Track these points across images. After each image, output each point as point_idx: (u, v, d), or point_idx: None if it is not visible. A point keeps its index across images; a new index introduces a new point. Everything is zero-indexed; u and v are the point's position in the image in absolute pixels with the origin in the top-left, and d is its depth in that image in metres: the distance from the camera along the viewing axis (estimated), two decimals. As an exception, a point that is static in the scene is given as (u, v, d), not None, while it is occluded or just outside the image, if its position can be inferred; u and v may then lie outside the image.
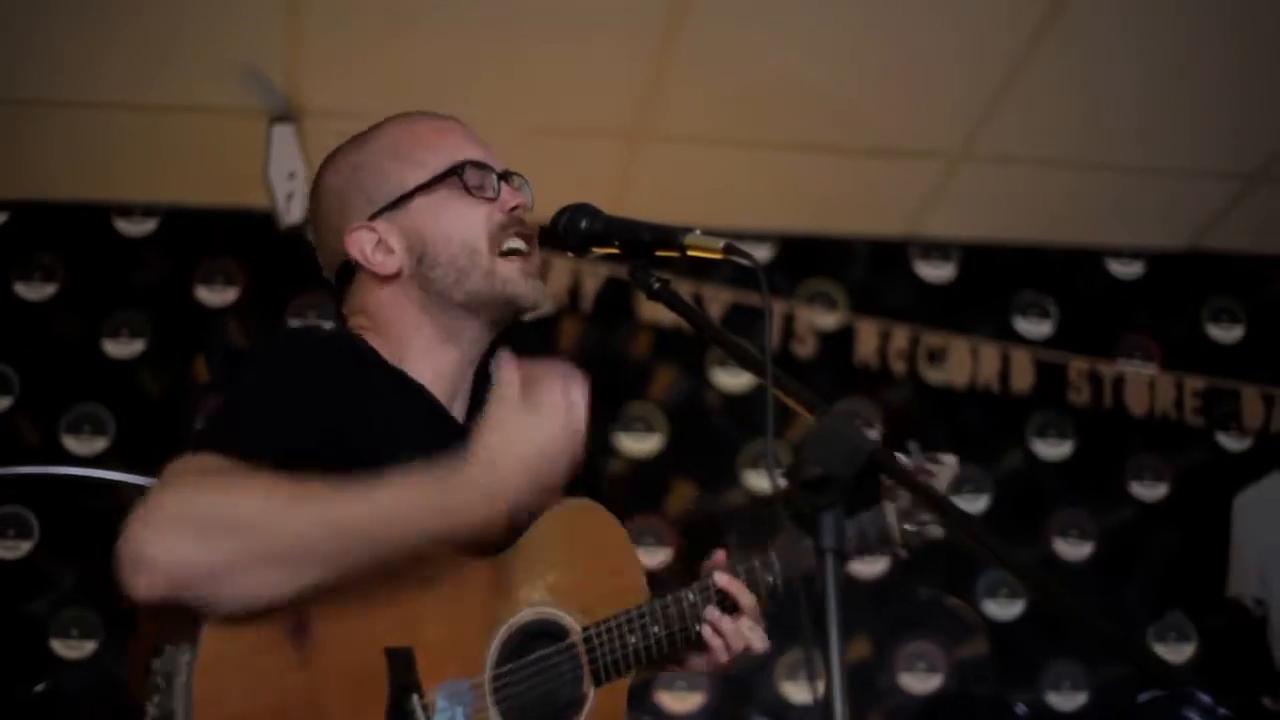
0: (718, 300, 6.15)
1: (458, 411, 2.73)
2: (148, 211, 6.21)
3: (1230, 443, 6.66)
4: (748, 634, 2.81)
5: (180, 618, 2.26)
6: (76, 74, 5.42)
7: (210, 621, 2.24)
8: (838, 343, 6.43)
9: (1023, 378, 6.44)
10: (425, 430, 2.59)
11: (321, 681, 2.34)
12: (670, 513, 6.15)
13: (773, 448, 2.31)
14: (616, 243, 2.58)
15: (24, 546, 5.81)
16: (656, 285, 2.53)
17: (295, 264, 6.13)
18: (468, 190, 2.67)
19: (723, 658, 2.81)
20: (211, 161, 5.85)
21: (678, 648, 2.75)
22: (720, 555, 2.91)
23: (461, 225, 2.67)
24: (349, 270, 2.73)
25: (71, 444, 5.92)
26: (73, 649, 5.73)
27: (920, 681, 6.21)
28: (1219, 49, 5.50)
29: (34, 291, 6.08)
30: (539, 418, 2.43)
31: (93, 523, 5.83)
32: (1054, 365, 6.51)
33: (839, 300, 6.54)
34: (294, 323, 2.40)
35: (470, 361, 2.74)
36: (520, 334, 6.29)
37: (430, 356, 2.70)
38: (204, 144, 5.78)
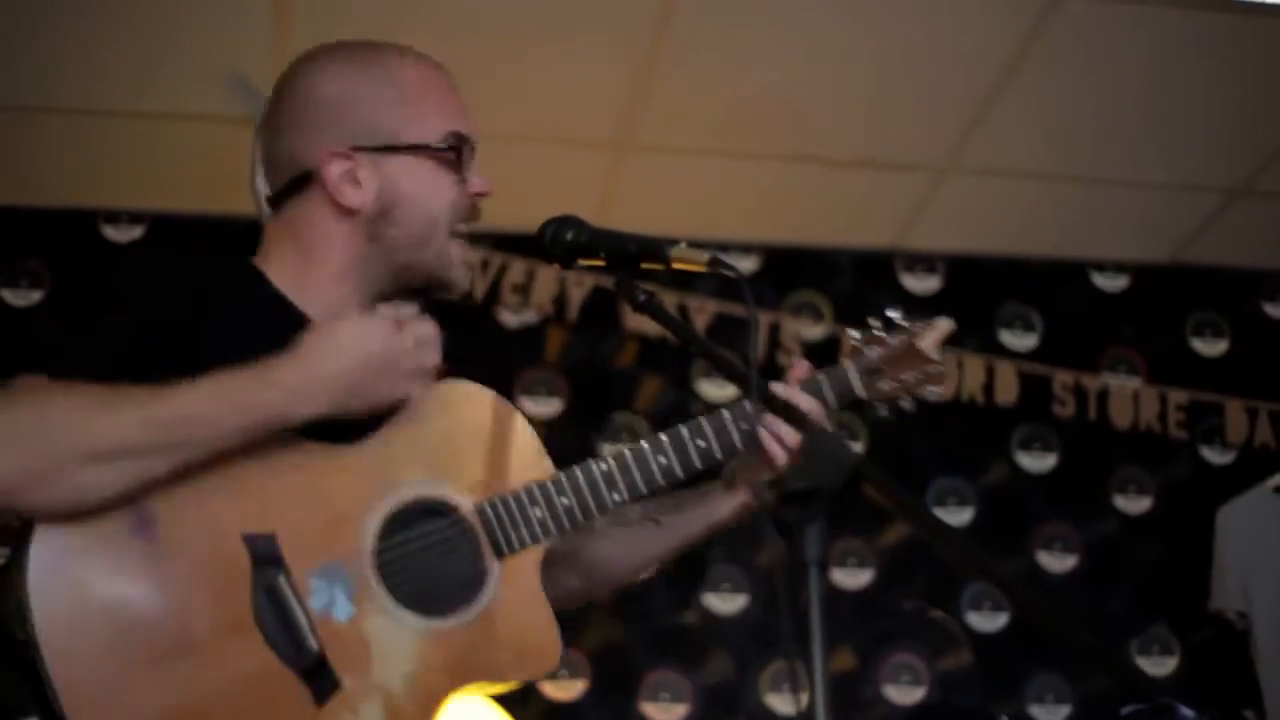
0: (703, 311, 6.16)
1: None
2: (134, 218, 6.20)
3: (1214, 456, 6.67)
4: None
5: (19, 531, 2.28)
6: (64, 81, 5.42)
7: (41, 523, 2.25)
8: (823, 354, 6.43)
9: (1007, 390, 6.45)
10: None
11: (175, 575, 2.33)
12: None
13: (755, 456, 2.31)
14: (602, 254, 2.58)
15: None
16: (642, 297, 2.54)
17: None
18: (455, 167, 2.68)
19: (781, 462, 2.78)
20: (199, 168, 5.85)
21: (602, 511, 2.72)
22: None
23: (436, 198, 2.67)
24: (301, 182, 2.68)
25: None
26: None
27: (904, 693, 6.21)
28: (1202, 65, 5.51)
29: (20, 298, 6.07)
30: (367, 331, 2.43)
31: None
32: (1038, 378, 6.52)
33: (824, 312, 6.54)
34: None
35: (362, 310, 2.66)
36: (506, 344, 6.30)
37: (333, 293, 2.67)
38: (191, 151, 5.78)
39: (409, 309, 2.54)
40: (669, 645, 6.10)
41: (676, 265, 2.48)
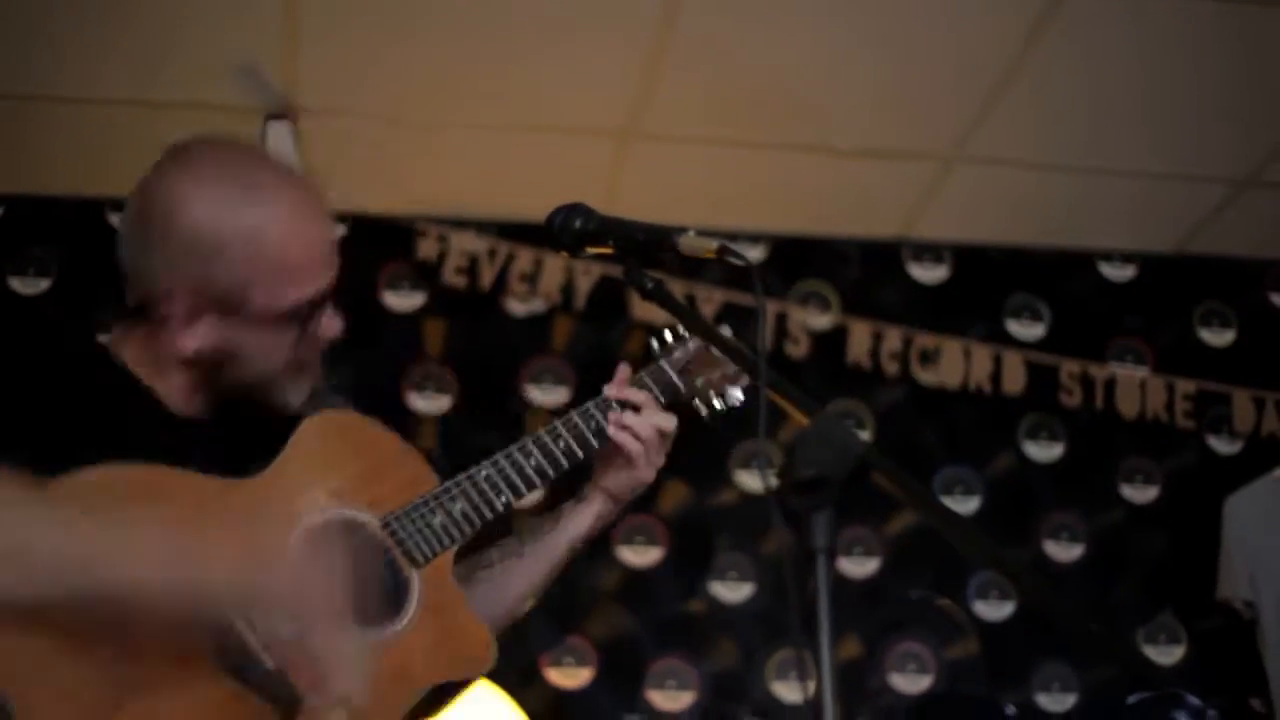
0: (711, 300, 6.16)
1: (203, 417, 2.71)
2: (142, 207, 6.20)
3: (1221, 446, 6.67)
4: (653, 419, 2.98)
5: None
6: (74, 70, 5.42)
7: None
8: (830, 343, 6.44)
9: (1014, 379, 6.45)
10: (166, 429, 2.60)
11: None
12: (661, 512, 6.16)
13: (765, 448, 2.32)
14: (610, 242, 2.58)
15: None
16: (650, 285, 2.54)
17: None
18: (304, 330, 2.65)
19: (634, 449, 2.97)
20: (206, 158, 5.85)
21: (512, 502, 2.84)
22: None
23: (277, 355, 2.64)
24: (148, 308, 2.62)
25: (66, 438, 5.91)
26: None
27: (911, 682, 6.21)
28: (1211, 55, 5.51)
29: (28, 286, 6.07)
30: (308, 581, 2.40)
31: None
32: (1046, 367, 6.52)
33: (832, 301, 6.54)
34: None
35: (223, 400, 2.70)
36: (514, 334, 6.31)
37: (185, 398, 2.67)
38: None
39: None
40: (676, 634, 6.10)
41: (685, 253, 2.47)
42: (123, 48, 5.31)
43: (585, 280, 6.17)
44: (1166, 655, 6.36)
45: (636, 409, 2.97)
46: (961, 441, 6.47)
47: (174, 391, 2.64)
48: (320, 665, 2.41)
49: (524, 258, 6.11)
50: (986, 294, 6.66)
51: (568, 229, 2.60)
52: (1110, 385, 6.55)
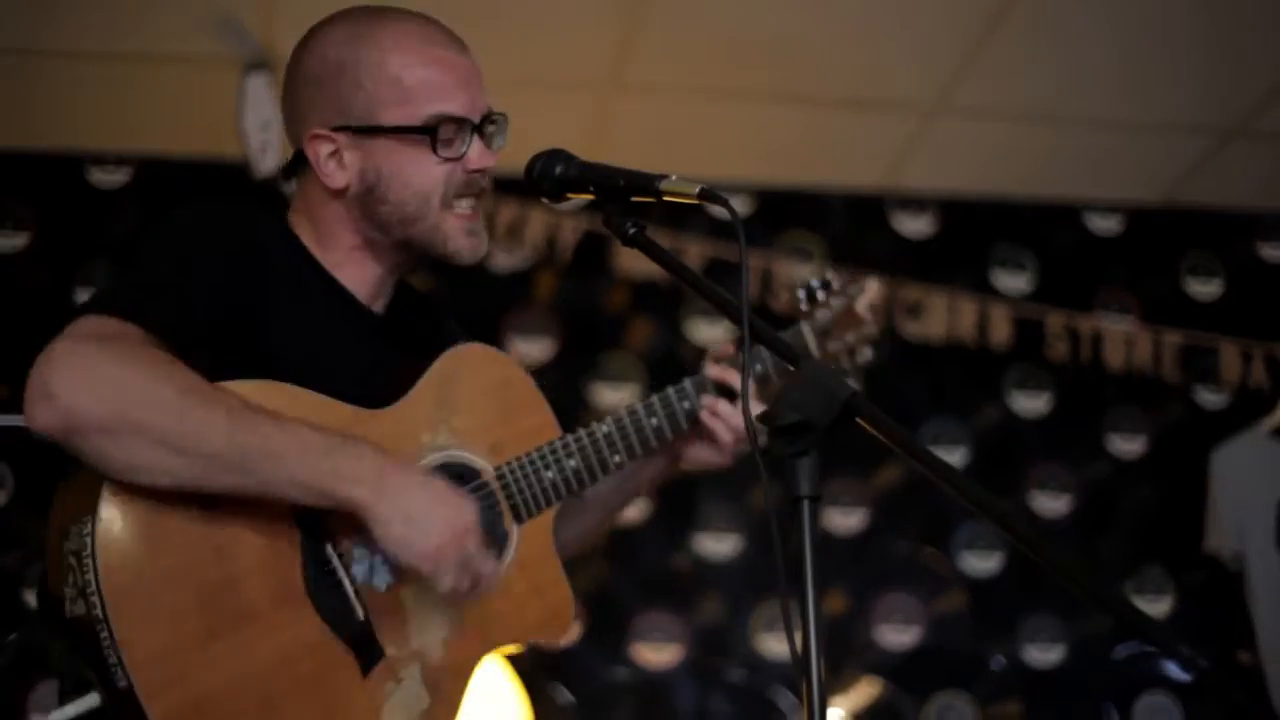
0: (695, 253, 6.12)
1: (379, 305, 2.78)
2: (121, 161, 6.17)
3: (1208, 398, 6.66)
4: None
5: (80, 498, 2.32)
6: (51, 24, 5.38)
7: (106, 489, 2.30)
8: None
9: (1001, 332, 6.42)
10: (339, 323, 2.66)
11: (231, 548, 2.38)
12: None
13: (749, 394, 2.30)
14: (591, 188, 2.56)
15: (-3, 498, 5.80)
16: (632, 231, 2.51)
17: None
18: (436, 149, 2.66)
19: (725, 438, 2.96)
20: (185, 111, 5.82)
21: (621, 465, 2.88)
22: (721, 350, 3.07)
23: (420, 178, 2.68)
24: (299, 160, 2.73)
25: (44, 396, 5.88)
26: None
27: (897, 634, 6.21)
28: (1198, 4, 5.48)
29: (5, 241, 6.04)
30: (459, 523, 2.45)
31: (66, 475, 5.85)
32: (1032, 320, 6.50)
33: (816, 253, 6.52)
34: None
35: (393, 274, 2.78)
36: (498, 286, 6.28)
37: (355, 266, 2.72)
38: (178, 94, 5.75)
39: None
40: (662, 588, 6.10)
41: (667, 197, 2.44)
42: (100, 1, 5.27)
43: (570, 235, 6.13)
44: (1154, 607, 6.36)
45: (732, 398, 2.97)
46: (947, 394, 6.46)
47: (352, 273, 2.72)
48: (404, 617, 2.50)
49: (507, 211, 6.07)
50: (972, 246, 6.65)
51: (547, 175, 2.57)
52: (1097, 337, 6.53)
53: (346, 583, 2.46)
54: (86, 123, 5.98)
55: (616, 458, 2.84)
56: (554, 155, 2.59)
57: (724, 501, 6.15)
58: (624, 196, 2.51)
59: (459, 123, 2.68)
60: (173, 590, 2.31)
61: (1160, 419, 6.61)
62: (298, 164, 2.74)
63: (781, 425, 2.00)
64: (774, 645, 6.10)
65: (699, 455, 3.03)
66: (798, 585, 1.95)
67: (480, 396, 2.73)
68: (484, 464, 2.69)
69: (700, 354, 6.12)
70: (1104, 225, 6.79)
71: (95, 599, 2.24)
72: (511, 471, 2.70)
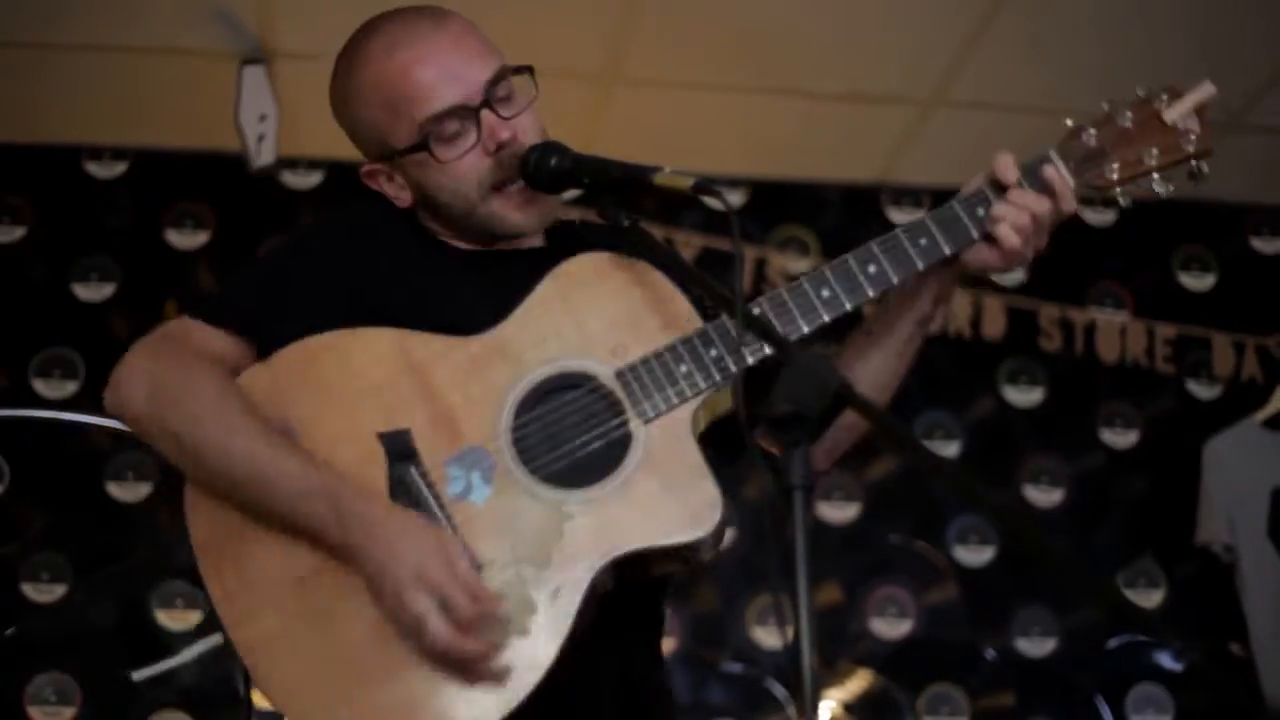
0: (689, 245, 6.13)
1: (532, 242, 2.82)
2: (118, 154, 6.18)
3: (1201, 390, 6.67)
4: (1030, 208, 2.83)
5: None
6: (47, 16, 5.39)
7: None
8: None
9: (994, 324, 6.43)
10: (444, 271, 2.74)
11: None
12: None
13: (742, 382, 2.31)
14: (587, 181, 2.57)
15: (-6, 489, 5.81)
16: (627, 223, 2.53)
17: (265, 206, 6.14)
18: (435, 154, 2.67)
19: (1014, 241, 2.82)
20: (182, 103, 5.82)
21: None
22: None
23: (446, 180, 2.70)
24: None
25: (41, 387, 5.90)
26: (43, 593, 5.72)
27: (890, 627, 6.22)
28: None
29: (3, 234, 6.05)
30: (423, 557, 2.42)
31: (63, 466, 5.85)
32: (1025, 312, 6.51)
33: (811, 246, 6.53)
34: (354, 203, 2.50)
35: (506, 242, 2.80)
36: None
37: (465, 240, 2.79)
38: (175, 86, 5.76)
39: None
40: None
41: (662, 189, 2.46)
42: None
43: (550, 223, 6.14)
44: (1146, 600, 6.36)
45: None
46: (941, 386, 6.46)
47: (467, 241, 2.80)
48: (506, 528, 2.51)
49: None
50: (966, 238, 6.64)
51: (544, 167, 2.60)
52: (1090, 330, 6.54)
53: (431, 502, 2.48)
54: (84, 115, 5.99)
55: (795, 326, 2.62)
56: (549, 148, 2.61)
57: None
58: (619, 189, 2.52)
59: (455, 115, 2.67)
60: (252, 536, 2.53)
61: (1153, 411, 6.61)
62: None
63: (775, 416, 2.01)
64: (768, 637, 6.10)
65: (980, 256, 2.88)
66: (790, 575, 1.96)
67: (601, 300, 2.64)
68: (600, 368, 2.58)
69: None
70: (1097, 218, 6.79)
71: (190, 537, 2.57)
72: (633, 370, 2.57)
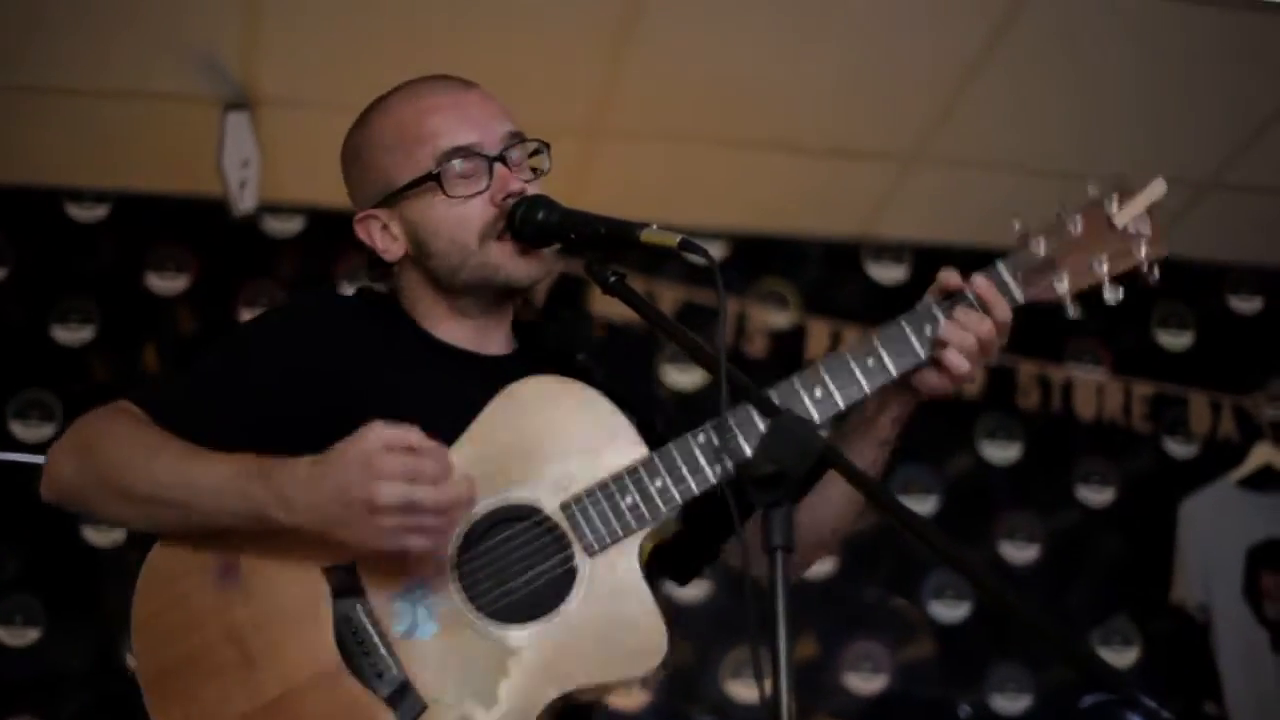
0: (670, 298, 6.13)
1: (497, 348, 2.79)
2: (99, 197, 6.17)
3: (1177, 449, 6.69)
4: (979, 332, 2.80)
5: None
6: (29, 59, 5.39)
7: (155, 548, 2.56)
8: (789, 342, 6.43)
9: (972, 380, 6.44)
10: (435, 371, 2.68)
11: (258, 616, 2.46)
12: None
13: (726, 442, 2.31)
14: (573, 235, 2.58)
15: (-32, 533, 5.79)
16: (612, 279, 2.53)
17: (246, 252, 6.14)
18: (445, 189, 2.64)
19: (962, 368, 2.77)
20: (164, 148, 5.82)
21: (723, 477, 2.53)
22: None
23: (448, 223, 2.66)
24: (369, 253, 2.79)
25: (19, 430, 5.89)
26: (16, 636, 5.70)
27: (865, 682, 6.22)
28: (1171, 58, 5.53)
29: (-16, 277, 6.05)
30: (344, 476, 2.34)
31: (38, 510, 5.82)
32: (1003, 368, 6.52)
33: (791, 300, 6.53)
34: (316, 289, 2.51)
35: (490, 317, 2.78)
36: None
37: (448, 321, 2.74)
38: (158, 130, 5.75)
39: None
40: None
41: (648, 246, 2.46)
42: (78, 36, 5.27)
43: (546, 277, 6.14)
44: (1121, 658, 6.38)
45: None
46: (919, 442, 6.43)
47: (449, 328, 2.75)
48: (452, 665, 2.46)
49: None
50: (945, 294, 6.66)
51: (530, 221, 2.59)
52: (1068, 387, 6.56)
53: (377, 640, 2.44)
54: (65, 158, 5.98)
55: (716, 466, 2.51)
56: (536, 202, 2.61)
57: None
58: (605, 244, 2.53)
59: (470, 156, 2.66)
60: (196, 668, 2.49)
61: (1129, 469, 6.63)
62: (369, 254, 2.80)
63: (758, 476, 2.02)
64: (743, 691, 6.09)
65: (929, 382, 2.79)
66: (769, 633, 1.96)
67: (547, 432, 2.58)
68: (546, 500, 2.52)
69: (676, 399, 6.11)
70: (1076, 276, 6.81)
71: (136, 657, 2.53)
72: (578, 502, 2.51)
